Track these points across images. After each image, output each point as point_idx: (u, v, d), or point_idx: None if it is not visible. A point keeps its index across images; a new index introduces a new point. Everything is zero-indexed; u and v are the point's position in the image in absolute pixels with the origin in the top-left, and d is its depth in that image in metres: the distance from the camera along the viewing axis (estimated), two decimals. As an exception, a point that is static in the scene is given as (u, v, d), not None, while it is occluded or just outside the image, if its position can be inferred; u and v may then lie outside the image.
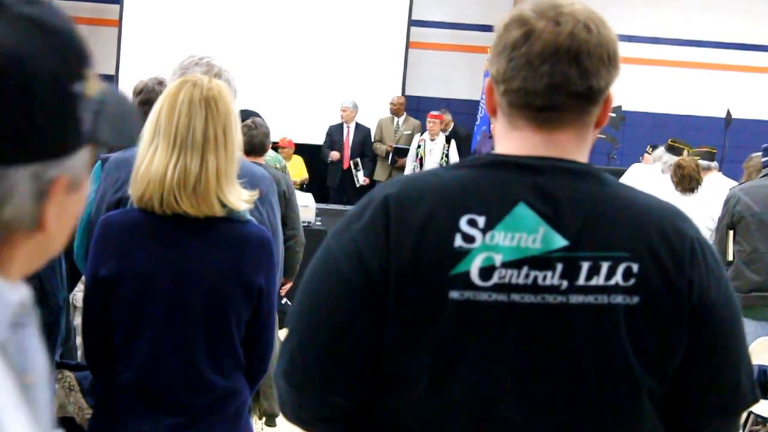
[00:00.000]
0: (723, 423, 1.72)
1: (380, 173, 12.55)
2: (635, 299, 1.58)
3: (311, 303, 1.65)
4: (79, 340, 3.60)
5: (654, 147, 9.80)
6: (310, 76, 13.01)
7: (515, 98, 1.62)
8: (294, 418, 1.71)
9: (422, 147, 11.86)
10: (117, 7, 13.11)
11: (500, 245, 1.56)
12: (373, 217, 1.61)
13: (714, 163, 7.66)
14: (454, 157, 11.82)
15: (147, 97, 3.43)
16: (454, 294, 1.56)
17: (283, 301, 5.76)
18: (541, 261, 1.57)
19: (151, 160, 2.45)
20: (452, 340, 1.58)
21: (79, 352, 3.97)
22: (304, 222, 6.94)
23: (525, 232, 1.57)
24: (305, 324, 1.64)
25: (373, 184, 12.54)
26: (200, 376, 2.50)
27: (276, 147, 11.07)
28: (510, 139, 1.66)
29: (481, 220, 1.57)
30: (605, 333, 1.58)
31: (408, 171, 11.95)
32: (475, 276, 1.56)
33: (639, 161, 9.93)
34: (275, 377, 1.70)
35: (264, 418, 5.77)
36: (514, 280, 1.56)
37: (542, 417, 1.59)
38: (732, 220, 5.70)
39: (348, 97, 12.49)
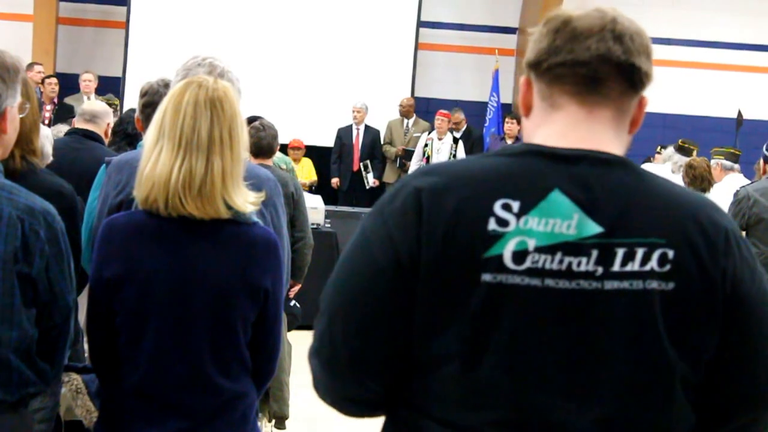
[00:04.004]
0: (756, 414, 1.72)
1: (390, 175, 12.57)
2: (670, 285, 1.60)
3: (342, 285, 1.67)
4: (87, 343, 3.59)
5: (664, 148, 9.80)
6: (319, 79, 13.03)
7: (559, 71, 1.66)
8: (325, 396, 1.74)
9: (430, 146, 11.85)
10: (124, 9, 13.16)
11: (534, 230, 1.58)
12: (405, 201, 1.63)
13: (736, 165, 7.66)
14: (461, 157, 11.80)
15: (152, 99, 3.43)
16: (486, 277, 1.58)
17: (292, 303, 5.74)
18: (576, 247, 1.58)
19: (155, 162, 2.44)
20: (484, 323, 1.59)
21: (86, 355, 3.96)
22: (313, 224, 6.94)
23: (559, 218, 1.58)
24: (335, 305, 1.67)
25: (382, 186, 12.55)
26: (206, 379, 2.49)
27: (285, 148, 11.10)
28: (549, 124, 1.69)
29: (515, 205, 1.59)
30: (640, 318, 1.59)
31: (413, 170, 11.93)
32: (508, 259, 1.58)
33: (650, 161, 9.91)
34: (309, 356, 1.72)
35: (274, 421, 5.76)
36: (548, 266, 1.58)
37: (574, 401, 1.60)
38: (747, 221, 5.67)
39: (357, 98, 12.51)
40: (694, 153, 7.72)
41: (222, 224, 2.48)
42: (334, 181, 12.54)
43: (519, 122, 12.27)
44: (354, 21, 13.20)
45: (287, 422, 5.81)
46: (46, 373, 2.47)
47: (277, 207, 3.14)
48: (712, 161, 7.38)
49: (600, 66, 1.63)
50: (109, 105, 8.96)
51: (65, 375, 2.75)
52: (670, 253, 1.59)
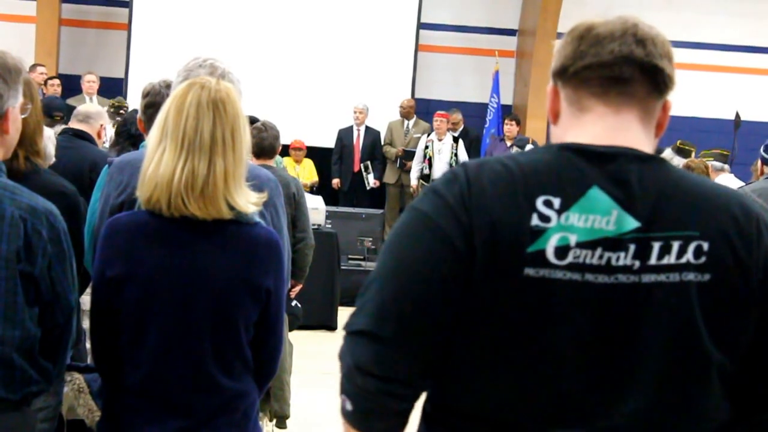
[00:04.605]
0: None
1: (390, 176, 12.60)
2: (706, 276, 1.63)
3: (404, 258, 1.67)
4: (89, 343, 3.61)
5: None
6: (320, 80, 13.06)
7: (585, 74, 1.70)
8: (364, 374, 1.67)
9: (430, 147, 11.89)
10: (126, 10, 13.18)
11: (575, 226, 1.62)
12: (462, 189, 1.65)
13: (726, 165, 7.70)
14: (463, 157, 11.86)
15: (154, 100, 3.44)
16: (529, 271, 1.61)
17: (293, 303, 5.76)
18: (615, 242, 1.62)
19: (158, 162, 2.45)
20: (526, 317, 1.62)
21: (89, 354, 3.98)
22: (314, 225, 6.95)
23: (599, 214, 1.62)
24: (399, 278, 1.66)
25: (383, 186, 12.58)
26: (208, 378, 2.50)
27: (287, 149, 11.13)
28: (579, 126, 1.72)
29: (556, 201, 1.63)
30: (677, 310, 1.63)
31: (414, 172, 12.02)
32: (550, 254, 1.62)
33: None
34: (349, 336, 1.70)
35: (274, 420, 5.78)
36: (588, 261, 1.62)
37: (612, 393, 1.63)
38: None
39: (358, 100, 12.55)
40: (692, 154, 7.76)
41: (224, 224, 2.49)
42: (335, 181, 12.57)
43: (518, 124, 12.31)
44: (355, 23, 13.22)
45: (288, 422, 5.83)
46: (49, 372, 2.48)
47: (278, 207, 3.15)
48: None
49: (624, 67, 1.68)
50: (120, 107, 8.99)
51: (67, 374, 2.76)
52: (705, 245, 1.63)
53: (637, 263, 1.62)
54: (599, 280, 1.62)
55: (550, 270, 1.61)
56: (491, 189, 1.64)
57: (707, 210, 1.66)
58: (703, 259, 1.63)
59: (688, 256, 1.63)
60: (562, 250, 1.61)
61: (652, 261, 1.62)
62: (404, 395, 1.69)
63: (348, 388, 1.70)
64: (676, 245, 1.63)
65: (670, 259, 1.63)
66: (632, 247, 1.62)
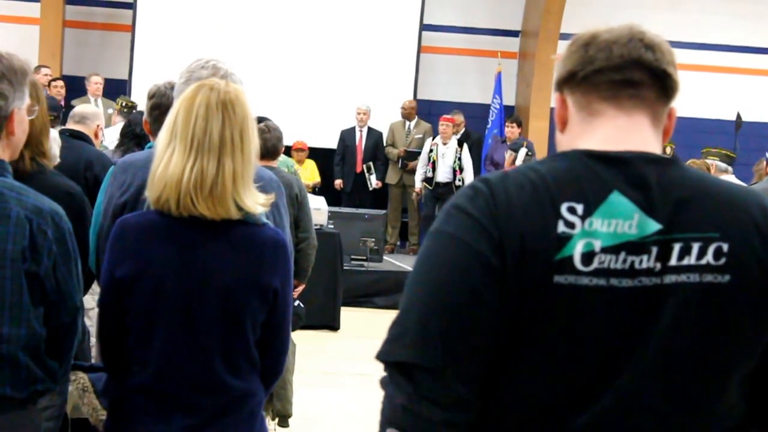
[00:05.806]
0: None
1: (392, 176, 12.62)
2: (726, 278, 1.63)
3: (440, 283, 1.63)
4: (92, 341, 3.63)
5: None
6: (323, 81, 13.08)
7: (595, 79, 1.71)
8: (430, 403, 1.60)
9: (435, 151, 11.91)
10: (130, 12, 13.21)
11: (599, 231, 1.62)
12: (486, 204, 1.64)
13: (731, 168, 7.68)
14: (467, 161, 11.88)
15: (159, 101, 3.47)
16: (559, 279, 1.61)
17: (296, 303, 5.78)
18: (638, 246, 1.62)
19: (168, 163, 2.46)
20: (557, 325, 1.62)
21: (92, 353, 4.00)
22: (316, 225, 6.97)
23: (621, 219, 1.63)
24: (438, 304, 1.62)
25: (385, 187, 12.60)
26: (215, 377, 2.52)
27: (289, 150, 11.15)
28: (591, 131, 1.73)
29: (579, 208, 1.63)
30: (697, 310, 1.63)
31: (419, 175, 12.04)
32: (577, 261, 1.62)
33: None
34: (394, 368, 1.63)
35: (277, 419, 5.80)
36: (612, 265, 1.62)
37: (629, 393, 1.63)
38: None
39: (360, 101, 12.57)
40: (668, 149, 7.74)
41: (232, 225, 2.51)
42: (338, 182, 12.59)
43: (519, 125, 12.32)
44: (357, 24, 13.24)
45: (290, 420, 5.85)
46: (55, 371, 2.49)
47: (280, 208, 3.16)
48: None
49: (634, 71, 1.69)
50: (132, 107, 9.04)
51: (72, 373, 2.77)
52: (725, 247, 1.63)
53: (658, 265, 1.63)
54: (623, 284, 1.62)
55: (577, 276, 1.61)
56: (516, 200, 1.64)
57: (727, 211, 1.66)
58: (723, 261, 1.63)
59: (708, 257, 1.63)
60: (587, 256, 1.61)
61: (673, 262, 1.63)
62: (466, 423, 1.63)
63: (403, 421, 1.61)
64: (696, 246, 1.63)
65: (690, 260, 1.63)
66: (654, 250, 1.63)
